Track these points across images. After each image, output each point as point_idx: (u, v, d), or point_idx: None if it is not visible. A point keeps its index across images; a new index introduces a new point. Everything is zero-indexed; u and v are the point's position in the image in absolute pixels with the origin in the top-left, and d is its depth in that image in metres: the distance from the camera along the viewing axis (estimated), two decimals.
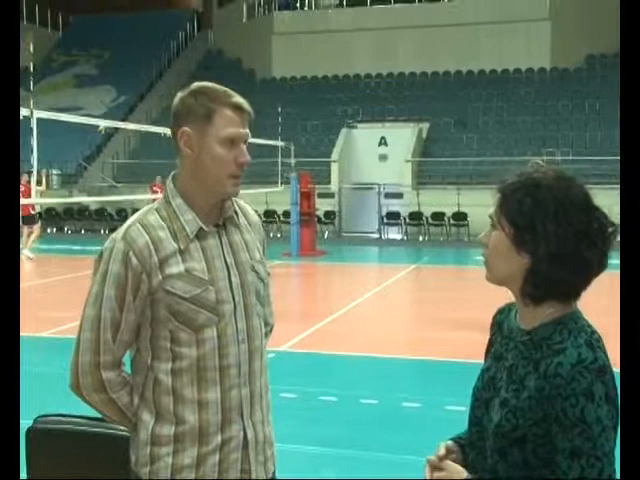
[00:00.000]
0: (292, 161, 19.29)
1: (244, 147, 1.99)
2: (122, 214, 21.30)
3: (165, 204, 2.01)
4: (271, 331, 2.24)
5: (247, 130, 2.00)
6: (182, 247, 1.95)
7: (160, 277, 1.92)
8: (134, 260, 1.92)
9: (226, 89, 2.00)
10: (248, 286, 2.03)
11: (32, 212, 15.97)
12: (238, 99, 1.98)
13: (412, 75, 26.96)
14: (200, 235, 1.98)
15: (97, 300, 1.95)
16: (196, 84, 2.02)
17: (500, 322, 1.79)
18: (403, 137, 22.66)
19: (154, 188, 19.18)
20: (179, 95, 2.01)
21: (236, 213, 2.08)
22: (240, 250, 2.04)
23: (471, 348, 5.76)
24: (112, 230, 2.60)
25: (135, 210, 2.28)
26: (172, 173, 2.05)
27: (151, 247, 1.93)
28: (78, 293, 2.96)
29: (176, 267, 1.93)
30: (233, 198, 2.07)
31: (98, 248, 2.05)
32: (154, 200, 2.17)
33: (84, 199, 21.42)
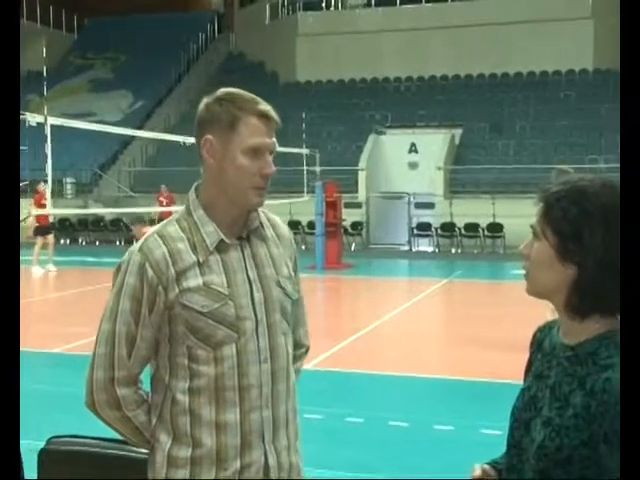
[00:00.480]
0: (317, 169, 19.36)
1: (269, 157, 1.99)
2: None
3: (186, 215, 2.02)
4: (307, 352, 2.24)
5: (273, 140, 1.99)
6: (201, 259, 1.95)
7: (177, 290, 1.93)
8: (150, 272, 1.93)
9: (254, 96, 2.00)
10: (272, 302, 2.02)
11: (46, 222, 16.13)
12: (264, 107, 1.98)
13: (444, 78, 26.92)
14: (221, 247, 1.98)
15: (112, 314, 1.97)
16: (222, 90, 2.02)
17: (540, 340, 1.78)
18: (434, 143, 22.61)
19: (160, 199, 19.19)
20: (204, 101, 2.01)
21: (262, 225, 2.07)
22: (265, 264, 2.04)
23: (507, 368, 5.72)
24: (128, 241, 2.63)
25: (152, 221, 2.30)
26: (195, 184, 2.06)
27: (168, 259, 1.94)
28: (93, 307, 2.99)
29: (194, 280, 1.94)
30: (262, 210, 2.07)
31: (113, 260, 2.07)
32: (162, 212, 2.19)
33: (99, 210, 21.60)
